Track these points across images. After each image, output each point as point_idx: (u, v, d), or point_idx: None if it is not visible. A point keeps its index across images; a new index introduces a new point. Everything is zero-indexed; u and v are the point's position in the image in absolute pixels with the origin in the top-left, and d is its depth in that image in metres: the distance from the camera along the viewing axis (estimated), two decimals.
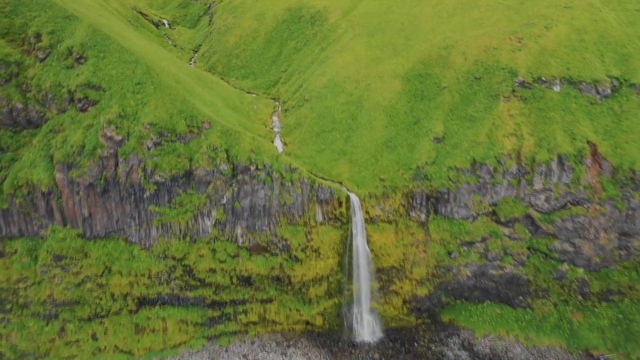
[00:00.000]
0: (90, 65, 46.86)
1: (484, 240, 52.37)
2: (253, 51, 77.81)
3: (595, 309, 52.73)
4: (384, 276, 53.41)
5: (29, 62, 47.41)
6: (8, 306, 47.64)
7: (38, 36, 47.66)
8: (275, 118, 64.29)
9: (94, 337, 49.16)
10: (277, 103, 67.89)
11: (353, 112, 57.92)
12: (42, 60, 47.23)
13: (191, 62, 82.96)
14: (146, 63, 50.04)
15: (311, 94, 62.12)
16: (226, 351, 51.28)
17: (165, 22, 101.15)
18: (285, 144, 58.23)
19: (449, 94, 55.55)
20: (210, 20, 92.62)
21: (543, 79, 52.64)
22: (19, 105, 46.06)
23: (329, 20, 72.96)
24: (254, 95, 69.99)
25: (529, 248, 52.73)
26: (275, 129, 62.02)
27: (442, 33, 61.63)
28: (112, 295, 48.81)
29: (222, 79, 73.66)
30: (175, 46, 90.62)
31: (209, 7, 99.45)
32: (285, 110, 64.61)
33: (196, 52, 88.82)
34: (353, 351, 52.69)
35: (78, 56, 46.87)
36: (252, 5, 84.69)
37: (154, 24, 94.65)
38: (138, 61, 49.32)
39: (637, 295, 51.92)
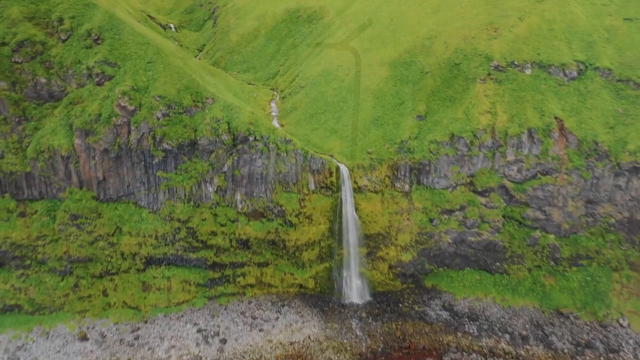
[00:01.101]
0: (106, 45, 52.20)
1: (462, 208, 56.77)
2: (254, 48, 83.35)
3: (566, 273, 56.88)
4: (372, 242, 57.72)
5: (52, 43, 52.70)
6: (27, 262, 52.09)
7: (60, 20, 53.03)
8: (273, 104, 69.32)
9: (105, 293, 53.54)
10: (275, 92, 73.10)
11: (344, 95, 62.93)
12: (64, 41, 52.51)
13: (196, 58, 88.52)
14: (157, 46, 55.33)
15: (306, 82, 67.24)
16: (225, 309, 55.36)
17: (172, 26, 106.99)
18: (282, 125, 63.11)
19: (431, 78, 60.57)
20: (214, 23, 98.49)
21: (516, 63, 57.67)
22: (43, 80, 51.15)
23: (325, 19, 78.58)
24: (254, 86, 75.27)
25: (504, 216, 57.13)
26: (273, 113, 66.98)
27: (426, 26, 67.01)
28: (122, 254, 53.25)
29: (225, 72, 79.20)
30: (181, 46, 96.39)
31: (213, 11, 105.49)
32: (283, 97, 69.67)
33: (200, 51, 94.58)
34: (342, 310, 56.72)
35: (96, 37, 52.13)
36: (254, 8, 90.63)
37: (161, 26, 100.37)
38: (149, 43, 54.60)
39: (603, 259, 56.06)
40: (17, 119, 50.80)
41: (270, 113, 67.83)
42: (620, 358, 49.97)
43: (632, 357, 49.94)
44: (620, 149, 54.14)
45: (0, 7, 51.87)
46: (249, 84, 77.45)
